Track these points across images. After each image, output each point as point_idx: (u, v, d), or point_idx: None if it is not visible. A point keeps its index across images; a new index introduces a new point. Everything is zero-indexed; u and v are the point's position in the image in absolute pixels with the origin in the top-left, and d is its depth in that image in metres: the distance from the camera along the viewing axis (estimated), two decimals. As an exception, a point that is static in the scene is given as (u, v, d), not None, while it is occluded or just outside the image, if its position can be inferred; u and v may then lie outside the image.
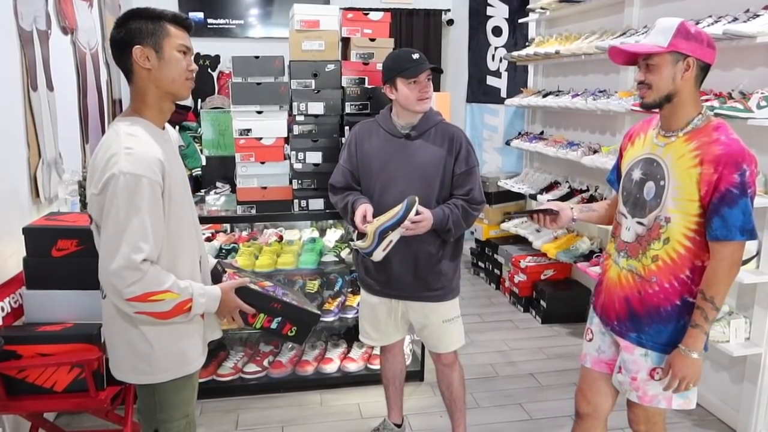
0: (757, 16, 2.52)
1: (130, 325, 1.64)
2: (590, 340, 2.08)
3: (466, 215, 2.28)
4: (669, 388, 1.80)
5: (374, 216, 2.23)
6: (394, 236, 2.17)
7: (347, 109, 3.04)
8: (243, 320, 1.77)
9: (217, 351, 3.32)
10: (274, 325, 1.80)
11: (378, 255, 2.20)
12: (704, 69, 1.74)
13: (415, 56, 2.22)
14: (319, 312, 1.90)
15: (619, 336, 1.92)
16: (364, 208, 2.24)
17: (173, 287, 1.55)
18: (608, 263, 2.00)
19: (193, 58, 1.68)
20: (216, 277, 1.86)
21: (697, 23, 2.79)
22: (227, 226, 4.04)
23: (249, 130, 2.97)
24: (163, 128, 1.71)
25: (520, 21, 4.90)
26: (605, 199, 3.70)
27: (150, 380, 1.69)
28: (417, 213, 2.15)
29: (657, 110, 1.81)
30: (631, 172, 1.89)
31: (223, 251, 3.43)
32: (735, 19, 2.61)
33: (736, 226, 1.66)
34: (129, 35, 1.58)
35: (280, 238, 3.68)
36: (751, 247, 2.65)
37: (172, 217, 1.61)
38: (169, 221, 1.60)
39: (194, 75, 1.68)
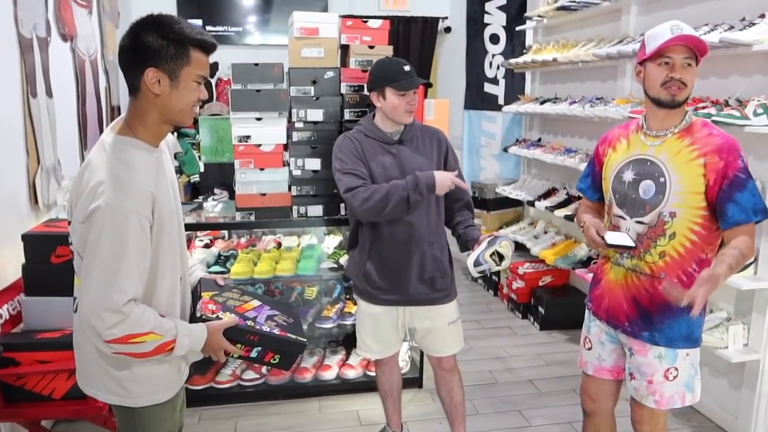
0: (753, 24, 2.54)
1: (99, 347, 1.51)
2: (589, 348, 2.12)
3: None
4: (690, 298, 1.61)
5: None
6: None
7: (346, 116, 3.05)
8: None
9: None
10: (253, 354, 1.68)
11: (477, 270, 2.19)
12: None
13: (407, 68, 2.25)
14: (304, 340, 1.73)
15: (631, 336, 1.94)
16: (444, 175, 2.17)
17: (156, 328, 1.44)
18: (606, 267, 2.02)
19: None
20: (195, 298, 1.77)
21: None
22: (225, 232, 4.03)
23: (248, 137, 2.98)
24: (157, 146, 1.58)
25: (517, 29, 4.93)
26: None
27: (123, 403, 1.59)
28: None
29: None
30: (622, 175, 1.93)
31: (222, 258, 3.43)
32: (731, 27, 2.63)
33: (750, 207, 1.72)
34: (145, 53, 1.43)
35: (279, 244, 3.68)
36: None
37: (160, 246, 1.52)
38: (155, 251, 1.50)
39: (200, 103, 1.55)
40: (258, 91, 2.95)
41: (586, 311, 2.14)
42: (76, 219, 1.46)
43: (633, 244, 1.87)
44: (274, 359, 1.72)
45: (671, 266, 1.83)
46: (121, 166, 1.44)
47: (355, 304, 2.71)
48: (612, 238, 1.88)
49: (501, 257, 2.14)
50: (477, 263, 2.14)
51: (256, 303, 1.83)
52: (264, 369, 3.22)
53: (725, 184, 1.72)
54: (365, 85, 2.95)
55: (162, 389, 1.62)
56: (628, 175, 1.91)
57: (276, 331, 1.71)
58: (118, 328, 1.40)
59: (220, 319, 1.63)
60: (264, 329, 1.69)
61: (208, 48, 1.51)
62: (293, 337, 1.73)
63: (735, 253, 1.70)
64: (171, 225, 1.57)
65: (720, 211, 1.74)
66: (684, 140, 1.80)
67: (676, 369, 1.88)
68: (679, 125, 1.83)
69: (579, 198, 3.95)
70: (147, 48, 1.43)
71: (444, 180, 2.16)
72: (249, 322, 1.69)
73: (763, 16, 2.54)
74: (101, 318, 1.38)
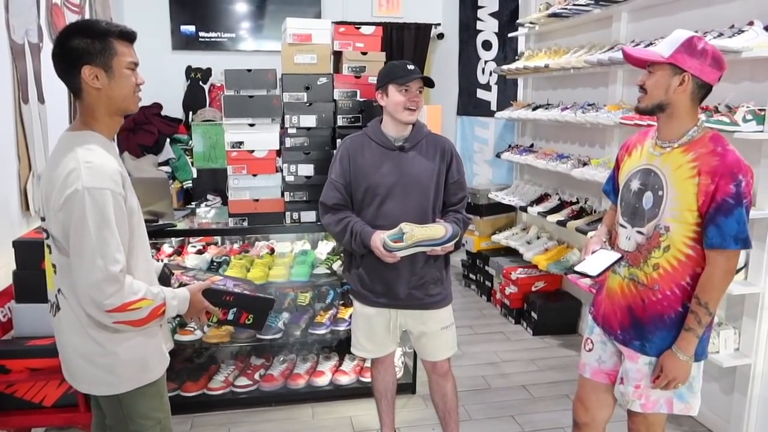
0: (742, 31, 2.57)
1: (87, 339, 1.62)
2: (590, 350, 2.10)
3: (465, 225, 2.40)
4: (657, 386, 1.86)
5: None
6: (421, 249, 2.23)
7: (339, 122, 3.06)
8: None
9: (208, 364, 3.30)
10: (230, 317, 1.86)
11: (398, 254, 2.24)
12: (704, 87, 1.77)
13: (410, 67, 2.31)
14: (272, 297, 1.97)
15: (623, 345, 1.95)
16: (378, 239, 2.24)
17: (147, 294, 1.57)
18: (608, 273, 2.01)
19: (138, 70, 1.67)
20: (164, 280, 1.87)
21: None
22: (218, 238, 4.02)
23: (241, 143, 2.98)
24: (112, 140, 1.68)
25: (509, 35, 4.96)
26: (596, 211, 3.74)
27: (113, 391, 1.67)
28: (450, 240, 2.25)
29: (651, 117, 1.87)
30: (630, 183, 1.93)
31: (215, 264, 3.42)
32: (720, 35, 2.65)
33: (731, 234, 1.70)
34: (76, 54, 1.55)
35: (272, 250, 3.67)
36: (739, 258, 2.68)
37: (133, 226, 1.63)
38: (130, 229, 1.61)
39: (141, 87, 1.67)
40: (251, 97, 2.96)
41: (590, 315, 2.14)
42: (52, 209, 1.54)
43: (593, 274, 1.90)
44: (249, 319, 1.89)
45: (664, 278, 1.83)
46: (88, 153, 1.54)
47: (349, 306, 2.71)
48: (581, 265, 1.95)
49: (403, 233, 2.20)
50: (384, 246, 2.21)
51: (219, 277, 2.01)
52: (258, 379, 3.21)
53: (712, 207, 1.71)
54: (370, 89, 2.96)
55: (147, 369, 1.70)
56: (635, 184, 1.90)
57: (247, 292, 1.91)
58: (116, 297, 1.51)
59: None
60: (236, 290, 1.89)
61: (129, 36, 1.62)
62: (262, 295, 1.95)
63: (700, 312, 1.77)
64: (140, 214, 1.67)
65: (703, 231, 1.76)
66: (688, 155, 1.77)
67: (654, 369, 1.88)
68: (682, 138, 1.79)
69: (571, 203, 3.98)
70: (76, 50, 1.55)
71: (375, 248, 2.25)
72: (222, 286, 1.87)
73: (751, 23, 2.57)
74: (101, 289, 1.49)
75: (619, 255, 1.94)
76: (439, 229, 2.23)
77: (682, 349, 1.80)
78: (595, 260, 1.95)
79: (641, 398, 1.91)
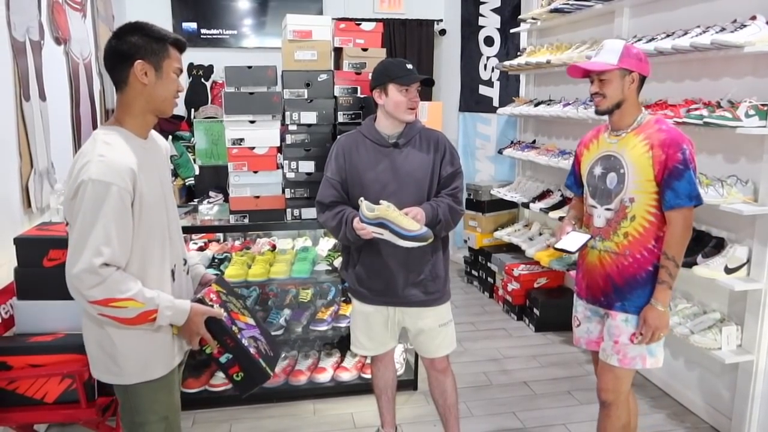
0: (744, 26, 2.55)
1: (97, 326, 1.66)
2: (578, 325, 2.36)
3: (452, 210, 2.31)
4: (645, 340, 2.09)
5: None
6: (387, 236, 2.16)
7: (340, 119, 3.05)
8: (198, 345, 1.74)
9: (209, 361, 3.30)
10: (222, 359, 1.74)
11: (368, 228, 2.18)
12: (643, 80, 2.13)
13: (409, 66, 2.29)
14: (271, 373, 1.79)
15: (607, 308, 2.21)
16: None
17: (137, 296, 1.56)
18: (586, 252, 2.27)
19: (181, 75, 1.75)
20: (203, 285, 1.84)
21: (686, 33, 2.83)
22: (220, 235, 4.03)
23: (242, 140, 2.98)
24: (145, 138, 1.73)
25: (511, 31, 4.94)
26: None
27: (118, 381, 1.70)
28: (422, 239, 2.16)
29: (608, 115, 2.17)
30: (593, 170, 2.22)
31: (216, 260, 3.43)
32: (723, 29, 2.64)
33: (685, 194, 2.01)
34: (132, 48, 1.63)
35: (273, 247, 3.68)
36: (741, 254, 2.68)
37: (143, 226, 1.62)
38: (139, 229, 1.61)
39: (179, 94, 1.75)
40: (252, 93, 2.95)
41: (574, 295, 2.39)
42: (67, 197, 1.60)
43: (572, 250, 2.18)
44: (237, 375, 1.76)
45: (633, 244, 2.11)
46: (105, 147, 1.59)
47: (348, 304, 2.71)
48: (560, 243, 2.22)
49: (379, 204, 2.16)
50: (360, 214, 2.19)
51: (250, 321, 1.87)
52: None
53: (666, 174, 2.01)
54: (369, 86, 2.96)
55: (153, 365, 1.70)
56: (598, 170, 2.20)
57: (251, 350, 1.75)
58: (97, 289, 1.52)
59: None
60: (243, 342, 1.74)
61: (181, 46, 1.74)
62: (263, 364, 1.77)
63: (669, 265, 2.04)
64: (157, 210, 1.68)
65: (661, 196, 2.05)
66: (638, 136, 2.09)
67: (642, 334, 2.11)
68: (633, 124, 2.12)
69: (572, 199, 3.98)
70: (133, 45, 1.64)
71: (355, 223, 2.22)
72: (234, 328, 1.74)
73: (754, 18, 2.55)
74: (80, 278, 1.51)
75: (589, 235, 2.23)
76: (413, 224, 2.14)
77: (660, 301, 2.06)
78: (571, 239, 2.23)
79: (619, 353, 2.15)
